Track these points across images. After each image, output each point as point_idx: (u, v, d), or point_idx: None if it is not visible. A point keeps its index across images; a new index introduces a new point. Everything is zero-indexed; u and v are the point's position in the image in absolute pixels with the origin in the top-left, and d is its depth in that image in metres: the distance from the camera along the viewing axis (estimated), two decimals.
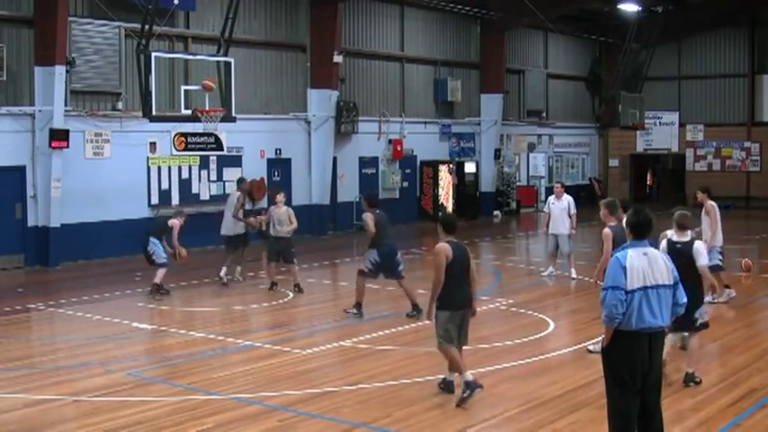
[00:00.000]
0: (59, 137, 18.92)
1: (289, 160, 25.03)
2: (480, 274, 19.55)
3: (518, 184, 34.24)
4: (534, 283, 17.43)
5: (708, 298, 10.50)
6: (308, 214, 24.55)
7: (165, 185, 21.82)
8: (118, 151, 20.77)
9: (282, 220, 15.34)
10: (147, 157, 21.48)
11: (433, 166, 29.30)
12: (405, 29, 28.85)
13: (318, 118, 25.27)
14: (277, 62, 24.78)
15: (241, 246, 16.91)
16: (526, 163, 35.47)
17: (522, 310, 14.21)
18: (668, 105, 37.51)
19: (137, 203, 21.12)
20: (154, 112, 18.68)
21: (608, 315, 6.69)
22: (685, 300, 7.01)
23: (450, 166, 29.80)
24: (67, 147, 19.17)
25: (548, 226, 17.69)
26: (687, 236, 9.82)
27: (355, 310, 13.54)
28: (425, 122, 29.65)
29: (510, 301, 14.99)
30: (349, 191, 26.85)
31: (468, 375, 8.97)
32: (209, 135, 22.05)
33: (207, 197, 22.71)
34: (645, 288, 6.71)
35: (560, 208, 17.55)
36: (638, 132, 37.04)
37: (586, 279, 16.44)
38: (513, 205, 33.31)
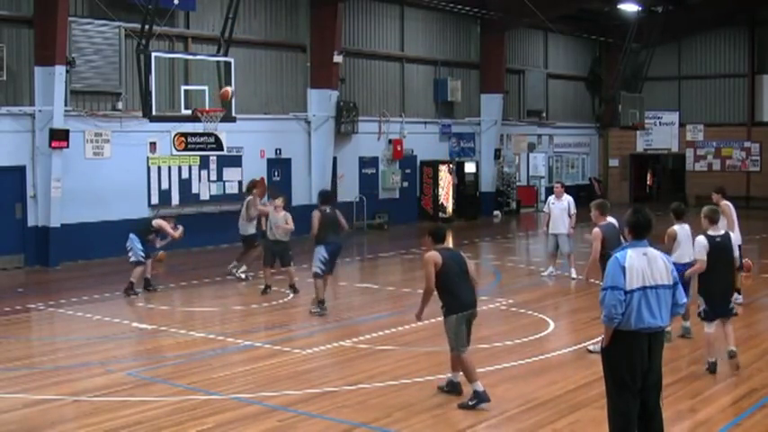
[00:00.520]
0: (59, 137, 18.92)
1: (289, 160, 25.03)
2: (480, 275, 19.59)
3: (518, 184, 34.24)
4: (534, 283, 17.43)
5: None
6: (308, 214, 24.37)
7: (165, 185, 21.82)
8: (118, 151, 20.77)
9: (280, 224, 15.38)
10: (147, 157, 21.48)
11: (433, 166, 29.29)
12: (405, 29, 28.85)
13: (318, 118, 25.27)
14: (277, 62, 24.78)
15: (251, 245, 17.13)
16: (526, 163, 35.46)
17: (522, 310, 14.21)
18: (668, 105, 37.51)
19: (137, 203, 21.10)
20: (154, 112, 18.69)
21: (607, 315, 6.69)
22: (685, 300, 7.02)
23: (451, 166, 29.78)
24: (67, 147, 19.17)
25: (548, 226, 17.69)
26: (720, 229, 10.31)
27: (319, 309, 13.85)
28: (425, 122, 29.65)
29: (510, 301, 14.99)
30: (349, 191, 26.84)
31: (480, 385, 8.90)
32: (209, 135, 22.05)
33: (207, 197, 22.71)
34: (644, 288, 6.70)
35: (560, 208, 17.55)
36: (638, 132, 37.04)
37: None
38: (513, 205, 33.31)
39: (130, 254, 15.53)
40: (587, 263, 11.91)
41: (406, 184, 28.93)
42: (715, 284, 10.11)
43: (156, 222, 15.84)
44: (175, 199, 21.94)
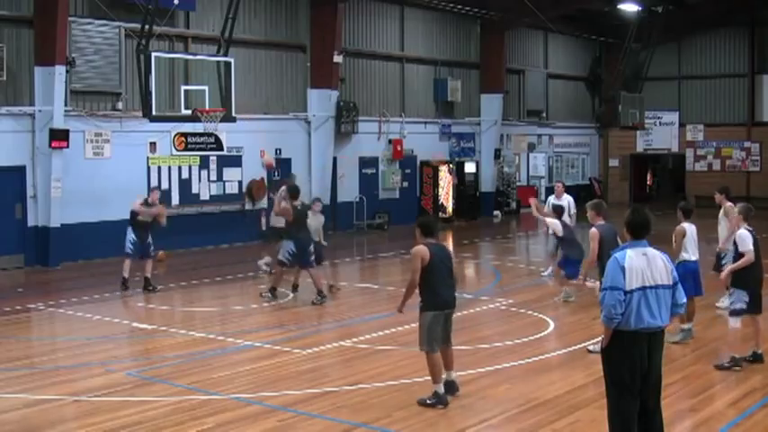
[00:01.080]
0: (59, 137, 18.91)
1: (289, 160, 25.01)
2: (480, 275, 19.60)
3: (518, 184, 34.24)
4: (534, 283, 17.43)
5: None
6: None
7: (165, 185, 21.80)
8: (118, 151, 20.77)
9: (319, 229, 15.47)
10: (147, 157, 21.48)
11: (433, 166, 29.29)
12: (405, 29, 28.84)
13: (318, 118, 25.26)
14: (277, 62, 24.78)
15: (274, 239, 17.03)
16: (526, 163, 35.46)
17: (522, 310, 14.21)
18: (668, 105, 37.50)
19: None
20: (154, 112, 18.70)
21: (606, 315, 6.69)
22: (685, 300, 7.01)
23: (451, 166, 29.78)
24: (67, 147, 19.17)
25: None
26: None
27: (270, 295, 14.80)
28: (425, 122, 29.65)
29: (510, 301, 14.99)
30: (349, 191, 26.85)
31: (442, 388, 8.87)
32: (209, 135, 22.04)
33: (207, 197, 22.71)
34: (644, 288, 6.70)
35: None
36: (638, 132, 37.03)
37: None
38: (513, 205, 33.31)
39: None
40: (585, 262, 11.90)
41: (406, 184, 28.93)
42: (759, 277, 10.46)
43: (133, 208, 15.97)
44: (175, 199, 21.93)
